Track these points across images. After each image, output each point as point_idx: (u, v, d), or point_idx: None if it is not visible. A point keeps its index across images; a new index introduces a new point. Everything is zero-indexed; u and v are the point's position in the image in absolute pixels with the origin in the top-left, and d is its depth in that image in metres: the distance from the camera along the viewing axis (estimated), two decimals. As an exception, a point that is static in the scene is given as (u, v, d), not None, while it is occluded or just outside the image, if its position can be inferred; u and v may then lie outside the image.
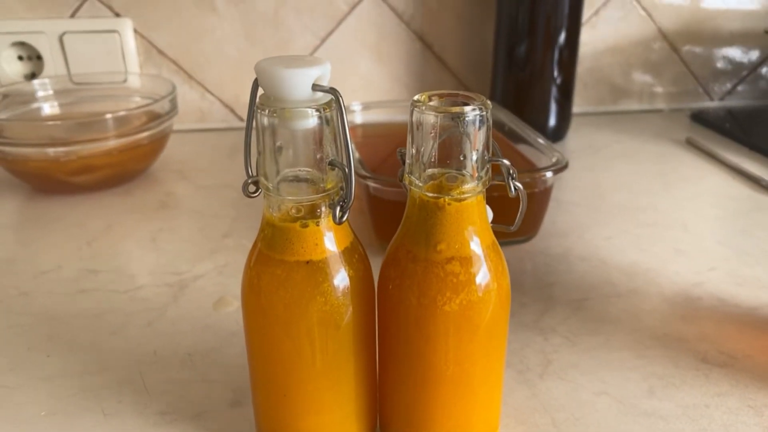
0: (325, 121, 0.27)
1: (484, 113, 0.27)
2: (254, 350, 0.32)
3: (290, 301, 0.29)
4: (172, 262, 0.51)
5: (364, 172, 0.49)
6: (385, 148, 0.66)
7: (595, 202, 0.61)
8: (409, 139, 0.28)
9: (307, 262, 0.28)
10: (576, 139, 0.78)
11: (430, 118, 0.27)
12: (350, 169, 0.27)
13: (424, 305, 0.29)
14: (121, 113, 0.61)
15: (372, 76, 0.82)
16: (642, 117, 0.88)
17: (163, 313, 0.45)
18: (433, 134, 0.27)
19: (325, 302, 0.29)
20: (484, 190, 0.28)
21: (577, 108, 0.83)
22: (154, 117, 0.64)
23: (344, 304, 0.29)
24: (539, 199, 0.51)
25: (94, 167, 0.62)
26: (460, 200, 0.28)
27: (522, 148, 0.57)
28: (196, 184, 0.66)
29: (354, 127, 0.66)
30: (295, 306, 0.29)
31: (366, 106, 0.68)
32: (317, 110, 0.26)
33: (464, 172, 0.28)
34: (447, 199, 0.28)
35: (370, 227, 0.53)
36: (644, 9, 0.84)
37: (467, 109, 0.26)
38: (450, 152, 0.28)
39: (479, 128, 0.27)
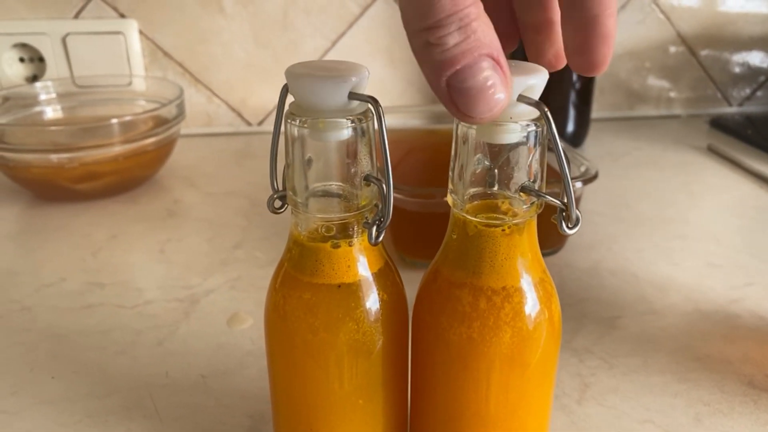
0: (360, 132, 0.25)
1: (540, 128, 0.24)
2: (277, 377, 0.29)
3: (319, 327, 0.26)
4: (181, 275, 0.49)
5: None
6: (398, 153, 0.63)
7: (621, 213, 0.59)
8: (453, 154, 0.26)
9: (339, 286, 0.26)
10: (594, 145, 0.76)
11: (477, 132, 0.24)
12: (389, 186, 0.25)
13: (469, 339, 0.26)
14: (127, 118, 0.59)
15: (384, 80, 0.80)
16: (659, 123, 0.86)
17: (174, 331, 0.42)
18: (480, 151, 0.25)
19: (357, 329, 0.26)
20: (536, 215, 0.26)
21: (593, 113, 0.81)
22: (161, 122, 0.62)
23: (377, 331, 0.27)
24: (567, 210, 0.49)
25: (98, 174, 0.59)
26: (511, 226, 0.25)
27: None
28: (204, 192, 0.64)
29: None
30: (325, 333, 0.26)
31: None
32: (353, 121, 0.24)
33: (515, 194, 0.25)
34: (497, 224, 0.25)
35: (388, 236, 0.51)
36: (663, 12, 0.82)
37: (521, 124, 0.24)
38: (500, 172, 0.25)
39: (533, 146, 0.24)
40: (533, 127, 0.24)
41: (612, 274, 0.48)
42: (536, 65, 0.24)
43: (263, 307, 0.28)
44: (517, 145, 0.24)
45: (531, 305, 0.26)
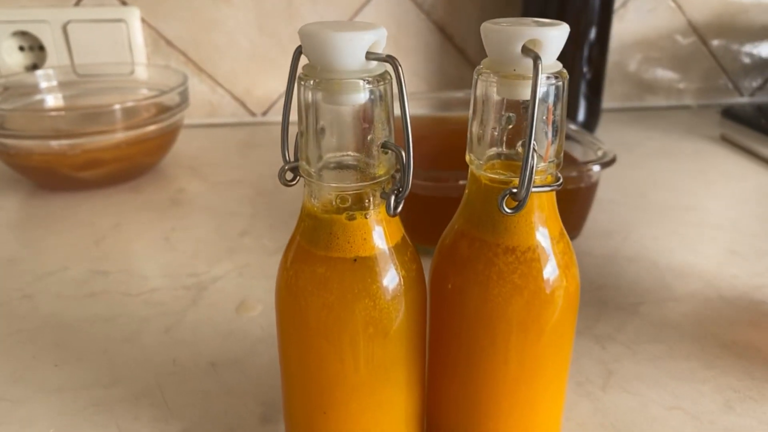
0: (378, 96, 0.23)
1: (561, 83, 0.23)
2: (289, 360, 0.28)
3: (334, 303, 0.25)
4: (188, 263, 0.47)
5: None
6: (401, 143, 0.62)
7: (637, 201, 0.57)
8: (471, 114, 0.25)
9: (354, 260, 0.25)
10: (606, 136, 0.75)
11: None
12: (409, 153, 0.24)
13: (489, 301, 0.25)
14: (129, 104, 0.58)
15: (389, 69, 0.78)
16: (670, 113, 0.85)
17: (182, 318, 0.41)
18: (499, 109, 0.24)
19: (374, 306, 0.25)
20: (557, 173, 0.25)
21: (603, 104, 0.79)
22: (164, 109, 0.61)
23: (395, 309, 0.25)
24: (584, 195, 0.48)
25: (101, 161, 0.58)
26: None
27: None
28: (208, 181, 0.62)
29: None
30: (340, 309, 0.25)
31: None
32: (370, 82, 0.23)
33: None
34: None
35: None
36: (674, 1, 0.81)
37: (541, 79, 0.22)
38: (519, 130, 0.24)
39: (554, 103, 0.23)
40: (552, 81, 0.23)
41: (630, 261, 0.47)
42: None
43: (272, 293, 0.27)
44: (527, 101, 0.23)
45: (550, 268, 0.26)
